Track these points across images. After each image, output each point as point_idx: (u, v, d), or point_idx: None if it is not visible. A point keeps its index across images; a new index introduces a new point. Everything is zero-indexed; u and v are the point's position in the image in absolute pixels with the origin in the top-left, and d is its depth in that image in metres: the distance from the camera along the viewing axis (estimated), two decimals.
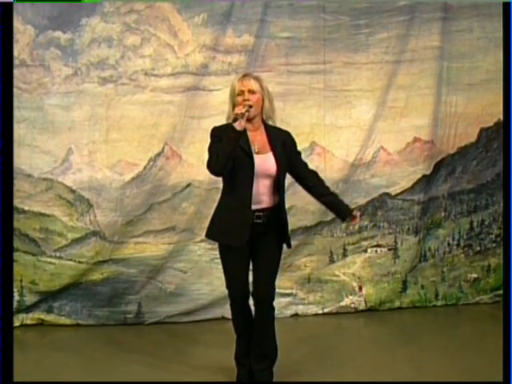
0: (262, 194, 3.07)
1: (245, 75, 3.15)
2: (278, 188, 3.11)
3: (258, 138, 3.11)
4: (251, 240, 3.10)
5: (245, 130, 2.99)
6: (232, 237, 3.07)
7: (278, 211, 3.12)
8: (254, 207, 3.07)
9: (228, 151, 2.93)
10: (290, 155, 3.16)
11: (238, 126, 2.92)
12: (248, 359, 3.26)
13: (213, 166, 3.00)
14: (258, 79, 3.11)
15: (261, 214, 3.08)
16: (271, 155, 3.09)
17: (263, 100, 3.10)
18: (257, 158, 3.04)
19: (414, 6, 4.50)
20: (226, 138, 2.94)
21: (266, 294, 3.17)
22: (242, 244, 3.08)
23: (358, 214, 3.33)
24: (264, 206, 3.09)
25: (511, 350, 2.87)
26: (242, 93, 3.05)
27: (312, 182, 3.27)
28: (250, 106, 3.00)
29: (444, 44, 4.57)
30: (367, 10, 4.46)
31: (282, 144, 3.14)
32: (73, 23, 4.19)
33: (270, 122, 3.19)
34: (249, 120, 3.02)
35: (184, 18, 4.29)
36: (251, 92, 3.04)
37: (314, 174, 3.30)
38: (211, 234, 3.21)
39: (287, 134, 3.22)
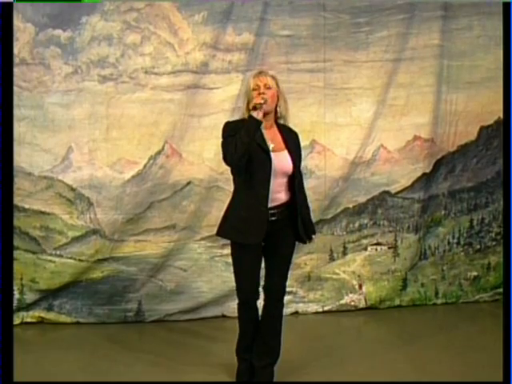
0: (276, 192, 3.05)
1: (261, 72, 3.15)
2: (292, 186, 3.09)
3: (272, 136, 3.09)
4: (265, 237, 3.08)
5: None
6: (248, 235, 3.03)
7: (291, 208, 3.10)
8: (268, 205, 3.04)
9: (246, 141, 2.90)
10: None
11: (256, 115, 2.91)
12: (249, 354, 3.25)
13: (230, 158, 2.97)
14: (273, 77, 3.11)
15: (275, 211, 3.05)
16: (287, 153, 3.08)
17: (278, 98, 3.09)
18: (274, 156, 3.02)
19: (414, 4, 4.50)
20: (244, 128, 2.92)
21: (277, 288, 3.17)
22: (258, 242, 3.06)
23: None
24: (278, 203, 3.07)
25: (511, 348, 2.87)
26: (257, 87, 3.04)
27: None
28: (265, 100, 2.97)
29: (444, 42, 4.57)
30: (367, 8, 4.46)
31: (294, 142, 3.16)
32: (73, 21, 4.19)
33: (282, 122, 3.18)
34: (263, 116, 2.98)
35: (184, 17, 4.29)
36: (267, 87, 3.03)
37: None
38: (223, 232, 3.15)
39: (296, 134, 3.23)
